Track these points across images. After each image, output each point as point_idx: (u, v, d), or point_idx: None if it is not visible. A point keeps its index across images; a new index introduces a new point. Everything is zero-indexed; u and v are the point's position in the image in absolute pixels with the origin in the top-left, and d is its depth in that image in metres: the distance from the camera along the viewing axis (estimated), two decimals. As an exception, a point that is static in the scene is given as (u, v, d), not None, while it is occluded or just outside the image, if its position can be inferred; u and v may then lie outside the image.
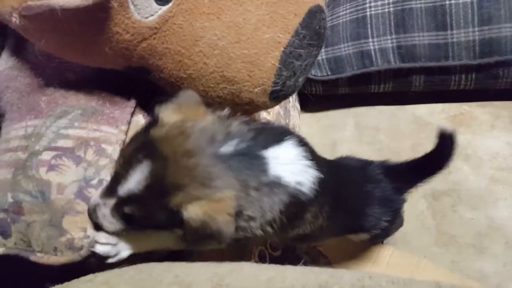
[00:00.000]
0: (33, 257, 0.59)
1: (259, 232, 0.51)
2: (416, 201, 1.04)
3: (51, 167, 0.59)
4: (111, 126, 0.62)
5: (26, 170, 0.60)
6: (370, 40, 1.11)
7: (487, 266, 0.96)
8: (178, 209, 0.46)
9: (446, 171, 1.08)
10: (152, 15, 0.53)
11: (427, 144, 1.12)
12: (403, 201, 0.78)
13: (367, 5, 1.13)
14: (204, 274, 0.47)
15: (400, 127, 1.15)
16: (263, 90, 0.57)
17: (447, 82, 1.09)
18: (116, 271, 0.53)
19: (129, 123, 0.64)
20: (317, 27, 0.58)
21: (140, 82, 0.64)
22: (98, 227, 0.53)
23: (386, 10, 1.11)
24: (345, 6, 1.16)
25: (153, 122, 0.49)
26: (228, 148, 0.47)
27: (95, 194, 0.52)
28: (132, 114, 0.64)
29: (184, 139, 0.47)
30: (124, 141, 0.62)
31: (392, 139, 1.15)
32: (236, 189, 0.47)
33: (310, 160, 0.52)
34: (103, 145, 0.61)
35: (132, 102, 0.64)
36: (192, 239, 0.47)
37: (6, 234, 0.61)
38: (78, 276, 0.51)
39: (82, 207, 0.58)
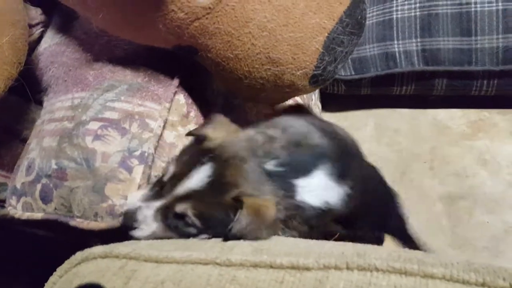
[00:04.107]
0: (72, 222, 0.62)
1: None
2: (433, 204, 1.06)
3: (97, 137, 0.62)
4: (155, 103, 0.65)
5: (72, 138, 0.63)
6: (395, 42, 1.14)
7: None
8: (234, 204, 0.52)
9: (463, 176, 1.10)
10: (206, -5, 0.56)
11: (446, 148, 1.14)
12: None
13: (394, 8, 1.16)
14: (244, 241, 0.49)
15: (420, 130, 1.17)
16: (304, 73, 0.59)
17: (469, 87, 1.11)
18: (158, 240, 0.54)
19: (171, 101, 0.66)
20: (359, 16, 0.60)
21: (184, 62, 0.67)
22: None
23: (413, 14, 1.14)
24: (372, 8, 1.19)
25: (199, 139, 0.58)
26: (269, 166, 0.56)
27: (131, 199, 0.57)
28: (175, 93, 0.67)
29: (235, 148, 0.56)
30: (166, 118, 0.65)
31: (411, 141, 1.16)
32: (275, 199, 0.55)
33: (340, 179, 0.59)
34: (146, 120, 0.64)
35: (176, 81, 0.67)
36: (238, 232, 0.51)
37: (47, 199, 0.63)
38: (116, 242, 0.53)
39: (125, 175, 0.60)
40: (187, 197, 0.54)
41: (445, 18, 1.09)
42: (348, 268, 0.37)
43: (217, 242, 0.48)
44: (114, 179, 0.60)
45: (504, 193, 1.01)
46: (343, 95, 1.26)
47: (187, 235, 0.54)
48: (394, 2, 1.17)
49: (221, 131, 0.58)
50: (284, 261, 0.39)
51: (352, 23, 0.60)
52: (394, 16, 1.15)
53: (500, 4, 1.05)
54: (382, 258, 0.38)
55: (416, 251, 0.46)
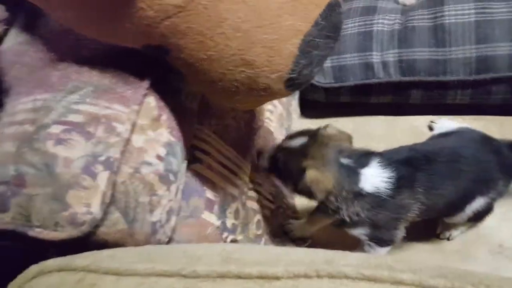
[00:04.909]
0: (31, 232, 0.57)
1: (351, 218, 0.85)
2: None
3: (59, 141, 0.58)
4: (123, 105, 0.62)
5: (33, 142, 0.58)
6: (374, 53, 1.15)
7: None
8: (304, 168, 0.79)
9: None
10: (177, -6, 0.54)
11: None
12: None
13: (375, 21, 1.18)
14: (213, 250, 0.47)
15: (397, 136, 1.18)
16: (280, 76, 0.57)
17: (444, 97, 1.13)
18: (122, 248, 0.51)
19: (141, 103, 0.63)
20: (335, 20, 0.59)
21: (155, 64, 0.65)
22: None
23: (391, 28, 1.16)
24: (354, 19, 1.20)
25: (316, 132, 0.85)
26: (345, 161, 0.82)
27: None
28: (145, 95, 0.64)
29: (330, 142, 0.83)
30: (135, 122, 0.62)
31: (388, 147, 1.17)
32: (336, 183, 0.79)
33: (386, 167, 0.83)
34: (113, 123, 0.60)
35: (146, 83, 0.64)
36: (303, 191, 0.84)
37: (4, 208, 0.59)
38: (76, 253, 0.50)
39: (89, 182, 0.56)
40: (286, 149, 0.85)
41: (421, 31, 1.12)
42: (318, 276, 0.35)
43: (184, 252, 0.45)
44: (76, 186, 0.56)
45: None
46: (323, 102, 1.26)
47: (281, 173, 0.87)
48: (376, 15, 1.19)
49: (336, 133, 0.86)
50: (253, 271, 0.37)
51: (328, 26, 0.59)
52: (375, 28, 1.18)
53: (472, 16, 1.08)
54: (352, 265, 0.37)
55: (387, 257, 0.45)
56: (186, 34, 0.56)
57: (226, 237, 0.82)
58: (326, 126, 0.86)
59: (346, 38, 1.18)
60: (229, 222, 0.83)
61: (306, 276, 0.36)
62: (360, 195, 0.82)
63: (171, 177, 0.65)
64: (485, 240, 1.02)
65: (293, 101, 1.23)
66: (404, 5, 1.20)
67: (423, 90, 1.14)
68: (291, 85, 0.60)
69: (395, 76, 1.14)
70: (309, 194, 0.82)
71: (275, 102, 1.10)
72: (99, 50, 0.65)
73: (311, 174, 0.78)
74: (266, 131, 1.04)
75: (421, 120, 1.21)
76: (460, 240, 1.04)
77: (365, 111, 1.27)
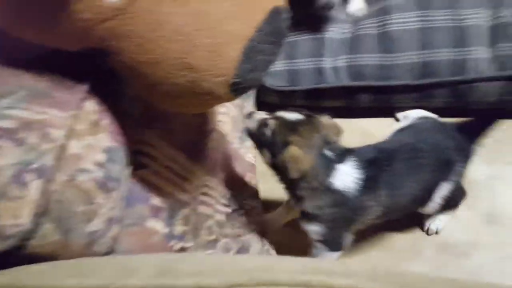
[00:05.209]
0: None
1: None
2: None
3: (-14, 148, 0.54)
4: (59, 110, 0.58)
5: (-45, 150, 0.54)
6: (326, 58, 1.18)
7: (421, 269, 1.04)
8: (289, 142, 0.82)
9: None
10: (116, -5, 0.52)
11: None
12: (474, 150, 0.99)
13: (327, 29, 1.21)
14: (150, 261, 0.45)
15: (348, 138, 1.21)
16: (224, 80, 0.57)
17: (391, 101, 1.18)
18: (53, 262, 0.48)
19: (79, 108, 0.60)
20: (280, 26, 0.60)
21: (96, 67, 0.62)
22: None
23: (343, 36, 1.20)
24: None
25: (313, 116, 0.88)
26: (327, 152, 0.85)
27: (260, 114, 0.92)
28: (84, 99, 0.61)
29: (323, 129, 0.86)
30: (72, 127, 0.59)
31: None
32: (312, 167, 0.82)
33: (358, 167, 0.86)
34: (48, 129, 0.57)
35: (84, 87, 0.61)
36: (275, 162, 0.86)
37: None
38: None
39: (18, 192, 0.52)
40: (277, 117, 0.87)
41: (369, 38, 1.16)
42: (253, 284, 0.35)
43: (119, 264, 0.43)
44: (4, 196, 0.52)
45: None
46: (278, 105, 1.27)
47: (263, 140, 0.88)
48: (328, 24, 1.22)
49: (331, 124, 0.90)
50: (189, 282, 0.36)
51: (273, 32, 0.59)
52: (326, 35, 1.20)
53: (416, 24, 1.13)
54: (289, 271, 0.38)
55: (326, 261, 0.45)
56: (126, 36, 0.54)
57: (174, 245, 0.80)
58: (323, 116, 0.90)
59: (299, 44, 1.21)
60: (178, 229, 0.81)
61: (241, 285, 0.36)
62: (328, 189, 0.85)
63: (112, 184, 0.62)
64: (432, 238, 1.08)
65: (248, 103, 1.23)
66: (356, 16, 1.25)
67: (372, 94, 1.18)
68: (236, 89, 0.59)
69: (345, 81, 1.17)
70: (281, 170, 0.84)
71: (228, 104, 1.10)
72: (33, 52, 0.61)
73: (293, 150, 0.81)
74: (219, 134, 1.03)
75: (373, 123, 1.25)
76: (409, 239, 1.09)
77: (319, 113, 1.29)
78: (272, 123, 0.86)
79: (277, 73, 1.22)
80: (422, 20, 1.11)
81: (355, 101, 1.21)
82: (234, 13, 0.55)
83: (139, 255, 0.50)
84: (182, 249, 0.83)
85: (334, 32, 1.20)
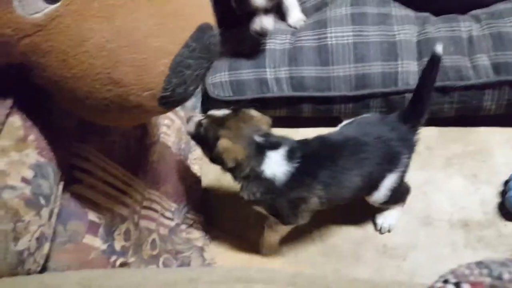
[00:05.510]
0: None
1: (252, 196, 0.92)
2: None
3: None
4: (-19, 126, 0.57)
5: None
6: (268, 69, 1.23)
7: (363, 272, 1.07)
8: (219, 136, 0.88)
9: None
10: (37, 12, 0.52)
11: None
12: (416, 140, 1.01)
13: (268, 40, 1.26)
14: (72, 278, 0.45)
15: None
16: (152, 94, 0.58)
17: (330, 110, 1.23)
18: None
19: (2, 124, 0.59)
20: (207, 42, 0.62)
21: (21, 82, 0.61)
22: None
23: (283, 47, 1.24)
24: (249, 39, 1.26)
25: (239, 109, 0.94)
26: (259, 139, 0.89)
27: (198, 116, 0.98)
28: (8, 115, 0.60)
29: (252, 121, 0.91)
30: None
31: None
32: (245, 156, 0.87)
33: (290, 158, 0.89)
34: (-32, 146, 0.55)
35: (8, 103, 0.60)
36: (214, 158, 0.90)
37: None
38: None
39: None
40: (211, 117, 0.93)
41: (308, 50, 1.21)
42: None
43: (40, 283, 0.43)
44: None
45: (361, 201, 1.10)
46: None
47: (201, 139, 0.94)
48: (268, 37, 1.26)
49: (258, 115, 0.94)
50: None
51: (200, 48, 0.61)
52: (267, 47, 1.25)
53: (350, 38, 1.20)
54: (210, 282, 0.39)
55: (253, 268, 0.47)
56: (48, 52, 0.54)
57: (115, 261, 0.79)
58: (250, 109, 0.94)
59: (242, 55, 1.24)
60: (118, 245, 0.80)
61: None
62: (259, 177, 0.88)
63: (41, 200, 0.61)
64: (371, 241, 1.13)
65: (195, 112, 1.25)
66: (295, 28, 1.30)
67: (313, 104, 1.23)
68: (165, 103, 0.61)
69: (288, 91, 1.22)
70: (221, 163, 0.89)
71: (172, 115, 1.10)
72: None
73: (223, 143, 0.86)
74: (162, 146, 1.03)
75: (316, 132, 1.30)
76: (350, 242, 1.13)
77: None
78: (204, 122, 0.92)
79: (222, 84, 1.25)
80: (356, 35, 1.19)
81: (298, 111, 1.26)
82: (160, 30, 0.57)
83: (63, 273, 0.49)
84: (124, 264, 0.82)
85: (275, 43, 1.25)
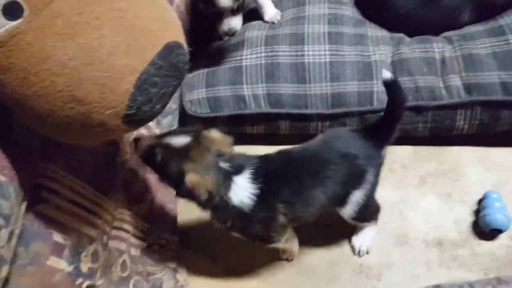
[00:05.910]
0: None
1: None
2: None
3: None
4: None
5: None
6: (245, 86, 1.23)
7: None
8: (184, 171, 0.81)
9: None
10: (-2, 28, 0.51)
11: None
12: (383, 157, 0.98)
13: (244, 57, 1.27)
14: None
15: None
16: (115, 112, 0.57)
17: (307, 128, 1.24)
18: None
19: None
20: (175, 60, 0.62)
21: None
22: None
23: (259, 62, 1.25)
24: (226, 54, 1.27)
25: (201, 131, 0.88)
26: (223, 164, 0.85)
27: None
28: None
29: (213, 145, 0.86)
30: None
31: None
32: (215, 184, 0.82)
33: (255, 182, 0.86)
34: None
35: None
36: (183, 194, 0.85)
37: None
38: None
39: None
40: (166, 147, 0.84)
41: (285, 67, 1.22)
42: None
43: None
44: None
45: (341, 220, 1.10)
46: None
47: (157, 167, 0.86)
48: (244, 51, 1.28)
49: (218, 136, 0.89)
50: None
51: (167, 66, 0.60)
52: (244, 64, 1.25)
53: (327, 57, 1.21)
54: None
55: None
56: (8, 69, 0.53)
57: (81, 283, 0.76)
58: (209, 129, 0.89)
59: (219, 72, 1.25)
60: (85, 266, 0.77)
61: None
62: (227, 204, 0.85)
63: (0, 221, 0.59)
64: (348, 261, 1.12)
65: (171, 128, 1.24)
66: (273, 23, 1.32)
67: (290, 121, 1.24)
68: (130, 121, 0.60)
69: (265, 108, 1.22)
70: (191, 196, 0.84)
71: (146, 133, 1.09)
72: None
73: (191, 178, 0.80)
74: (135, 163, 1.02)
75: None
76: (327, 262, 1.13)
77: (244, 140, 1.32)
78: (159, 152, 0.84)
79: (199, 101, 1.24)
80: (332, 54, 1.20)
81: (276, 127, 1.26)
82: (125, 47, 0.56)
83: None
84: (92, 287, 0.79)
85: (251, 58, 1.25)
